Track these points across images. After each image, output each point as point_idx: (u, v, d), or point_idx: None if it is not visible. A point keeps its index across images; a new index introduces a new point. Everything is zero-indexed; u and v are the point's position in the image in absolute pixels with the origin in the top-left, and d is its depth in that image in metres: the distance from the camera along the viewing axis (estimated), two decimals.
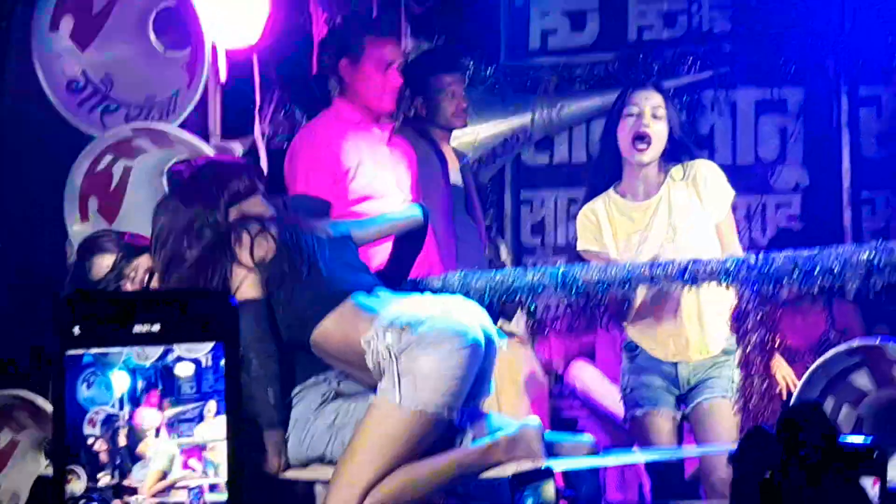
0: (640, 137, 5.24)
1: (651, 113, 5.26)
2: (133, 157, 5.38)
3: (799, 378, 4.93)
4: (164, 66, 5.57)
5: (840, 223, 6.73)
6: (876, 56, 6.66)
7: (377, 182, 5.55)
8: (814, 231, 6.51)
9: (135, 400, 2.30)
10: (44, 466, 4.83)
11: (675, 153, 5.29)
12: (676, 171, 5.28)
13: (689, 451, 5.28)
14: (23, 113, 5.55)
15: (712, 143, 6.99)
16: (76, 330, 2.17)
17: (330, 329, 4.24)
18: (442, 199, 5.95)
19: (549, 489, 4.03)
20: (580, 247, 5.38)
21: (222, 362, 2.23)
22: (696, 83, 6.91)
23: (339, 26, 5.94)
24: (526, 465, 4.14)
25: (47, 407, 4.70)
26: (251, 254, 4.27)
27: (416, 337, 4.12)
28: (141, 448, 2.36)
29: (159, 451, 2.35)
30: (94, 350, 2.23)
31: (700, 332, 5.21)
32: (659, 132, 5.26)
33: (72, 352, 2.19)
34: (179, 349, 2.22)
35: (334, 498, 4.11)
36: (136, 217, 5.38)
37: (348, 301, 4.25)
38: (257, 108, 5.71)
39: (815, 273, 4.84)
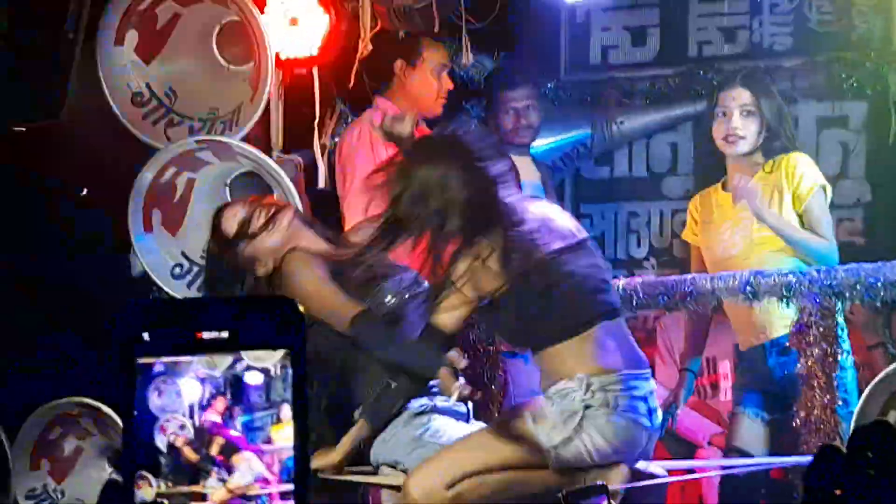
0: (731, 136, 5.34)
1: (739, 112, 5.35)
2: (196, 170, 5.42)
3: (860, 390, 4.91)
4: (228, 79, 5.62)
5: None
6: None
7: None
8: (876, 246, 6.46)
9: (203, 408, 2.31)
10: (108, 474, 4.86)
11: (772, 145, 5.38)
12: (767, 165, 5.35)
13: (762, 461, 5.27)
14: (88, 125, 5.60)
15: None
16: (145, 336, 2.18)
17: (563, 354, 4.13)
18: None
19: None
20: (683, 235, 5.69)
21: (290, 370, 2.23)
22: None
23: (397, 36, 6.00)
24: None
25: (112, 414, 4.74)
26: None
27: (606, 423, 4.07)
28: (232, 459, 2.37)
29: (249, 465, 2.36)
30: (165, 358, 2.25)
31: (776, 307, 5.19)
32: (750, 128, 5.35)
33: (142, 360, 2.20)
34: (248, 357, 2.23)
35: (423, 474, 4.14)
36: (201, 228, 5.43)
37: (593, 331, 4.14)
38: (317, 121, 5.75)
39: (879, 286, 4.83)
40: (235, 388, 2.23)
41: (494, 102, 6.26)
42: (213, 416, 2.29)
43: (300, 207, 5.09)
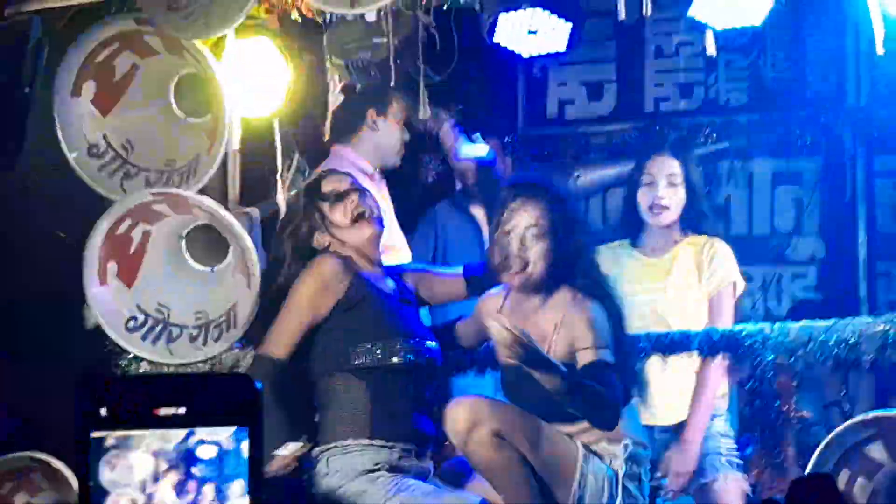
0: (656, 207, 5.30)
1: (667, 182, 5.31)
2: (152, 222, 5.40)
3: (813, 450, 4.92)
4: (185, 131, 5.60)
5: (856, 295, 6.72)
6: (892, 128, 6.68)
7: (393, 233, 5.64)
8: (830, 303, 6.51)
9: (156, 482, 2.29)
10: None
11: (694, 219, 5.34)
12: (690, 242, 5.32)
13: None
14: (44, 177, 5.58)
15: (728, 213, 7.01)
16: (103, 411, 2.19)
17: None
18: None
19: None
20: None
21: (244, 445, 2.22)
22: (712, 154, 6.94)
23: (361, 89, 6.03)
24: None
25: (64, 470, 4.71)
26: None
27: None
28: None
29: None
30: (120, 433, 2.24)
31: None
32: (676, 199, 5.31)
33: (97, 433, 2.20)
34: (201, 432, 2.23)
35: (480, 407, 4.24)
36: (155, 281, 5.41)
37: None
38: (279, 173, 5.74)
39: (831, 344, 4.85)
40: (188, 462, 2.21)
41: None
42: (164, 485, 2.27)
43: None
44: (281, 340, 4.55)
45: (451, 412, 4.20)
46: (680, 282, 5.28)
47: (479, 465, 4.22)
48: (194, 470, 2.26)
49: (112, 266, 5.39)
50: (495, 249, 4.50)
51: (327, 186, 4.82)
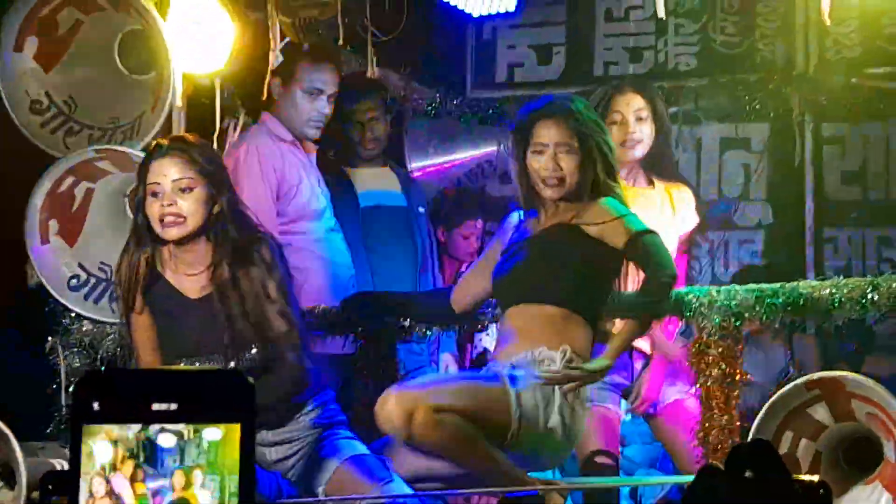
0: (629, 142, 5.30)
1: (635, 117, 5.31)
2: (95, 180, 5.34)
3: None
4: (129, 88, 5.54)
5: (802, 261, 6.75)
6: (839, 95, 6.70)
7: (313, 202, 5.60)
8: (776, 268, 6.52)
9: (113, 469, 2.27)
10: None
11: (661, 162, 5.37)
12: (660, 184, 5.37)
13: (649, 480, 5.28)
14: None
15: None
16: (95, 405, 2.18)
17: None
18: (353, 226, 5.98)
19: None
20: None
21: (206, 433, 2.21)
22: None
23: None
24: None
25: (3, 428, 4.63)
26: None
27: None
28: None
29: None
30: (108, 426, 2.23)
31: None
32: (647, 133, 5.33)
33: (88, 426, 2.19)
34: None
35: (409, 390, 4.24)
36: (98, 239, 5.36)
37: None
38: (217, 133, 5.68)
39: (777, 307, 4.85)
40: (148, 450, 2.19)
41: (341, 114, 6.14)
42: (119, 479, 2.24)
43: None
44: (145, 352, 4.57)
45: (382, 411, 4.15)
46: (663, 215, 5.33)
47: (432, 447, 4.17)
48: (153, 459, 2.23)
49: (53, 224, 5.33)
50: (525, 174, 4.59)
51: (151, 177, 4.57)
